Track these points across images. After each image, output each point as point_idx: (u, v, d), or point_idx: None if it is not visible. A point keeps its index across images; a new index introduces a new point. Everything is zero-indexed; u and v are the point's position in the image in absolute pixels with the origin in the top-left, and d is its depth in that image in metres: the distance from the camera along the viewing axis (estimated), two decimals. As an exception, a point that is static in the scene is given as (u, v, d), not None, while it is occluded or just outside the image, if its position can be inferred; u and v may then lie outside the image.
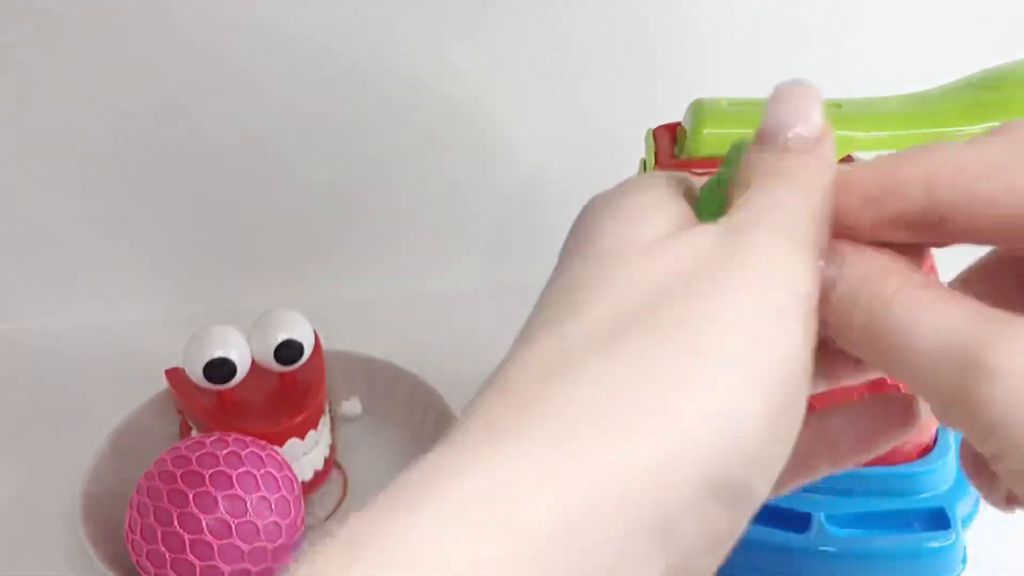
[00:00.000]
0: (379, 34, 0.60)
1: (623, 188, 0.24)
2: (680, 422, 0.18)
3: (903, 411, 0.24)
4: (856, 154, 0.40)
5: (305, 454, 0.49)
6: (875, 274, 0.21)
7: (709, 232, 0.21)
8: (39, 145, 0.60)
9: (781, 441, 0.20)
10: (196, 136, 0.61)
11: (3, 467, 0.53)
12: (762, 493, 0.20)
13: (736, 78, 0.63)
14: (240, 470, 0.42)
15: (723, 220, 0.22)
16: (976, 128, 0.37)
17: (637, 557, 0.18)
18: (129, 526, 0.43)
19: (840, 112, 0.38)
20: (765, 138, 0.24)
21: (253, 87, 0.60)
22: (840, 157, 0.38)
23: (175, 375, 0.50)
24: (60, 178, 0.61)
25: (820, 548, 0.41)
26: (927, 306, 0.20)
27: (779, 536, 0.42)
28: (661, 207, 0.23)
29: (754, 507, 0.20)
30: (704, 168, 0.38)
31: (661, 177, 0.24)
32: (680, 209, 0.23)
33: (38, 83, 0.58)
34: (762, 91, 0.42)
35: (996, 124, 0.37)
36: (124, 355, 0.61)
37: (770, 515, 0.43)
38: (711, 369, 0.19)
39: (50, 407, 0.57)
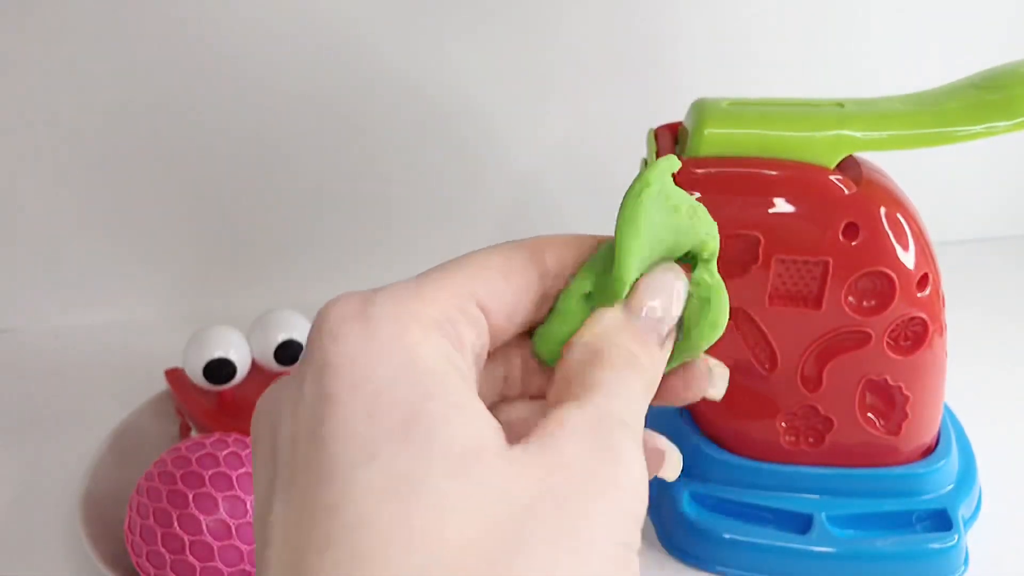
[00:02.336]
0: (380, 34, 0.60)
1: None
2: None
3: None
4: (857, 154, 0.40)
5: (305, 454, 0.49)
6: None
7: (575, 441, 0.21)
8: (39, 145, 0.60)
9: None
10: (196, 136, 0.61)
11: (3, 467, 0.53)
12: None
13: (738, 78, 0.64)
14: (240, 471, 0.42)
15: (583, 409, 0.21)
16: (978, 128, 0.37)
17: None
18: (129, 527, 0.43)
19: (841, 112, 0.38)
20: (634, 309, 0.24)
21: (253, 88, 0.60)
22: (841, 157, 0.38)
23: (175, 375, 0.50)
24: (60, 178, 0.61)
25: (821, 549, 0.41)
26: None
27: (780, 537, 0.42)
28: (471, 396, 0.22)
29: None
30: (706, 168, 0.38)
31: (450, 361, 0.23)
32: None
33: (38, 83, 0.58)
34: (764, 91, 0.42)
35: (998, 124, 0.37)
36: (124, 355, 0.61)
37: (771, 516, 0.43)
38: None
39: (50, 407, 0.57)
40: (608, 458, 0.20)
